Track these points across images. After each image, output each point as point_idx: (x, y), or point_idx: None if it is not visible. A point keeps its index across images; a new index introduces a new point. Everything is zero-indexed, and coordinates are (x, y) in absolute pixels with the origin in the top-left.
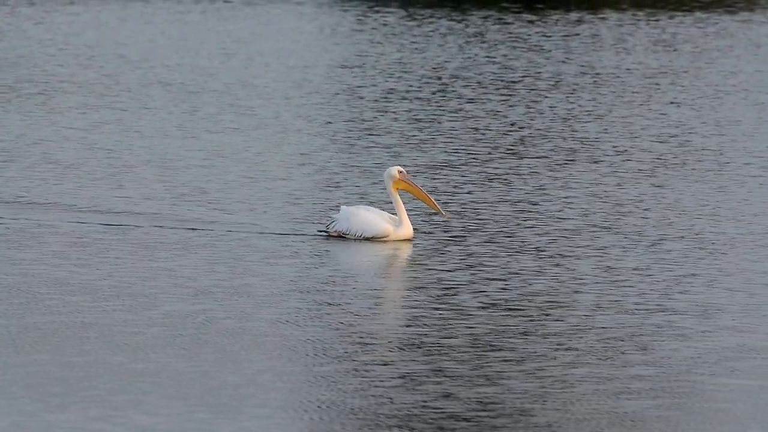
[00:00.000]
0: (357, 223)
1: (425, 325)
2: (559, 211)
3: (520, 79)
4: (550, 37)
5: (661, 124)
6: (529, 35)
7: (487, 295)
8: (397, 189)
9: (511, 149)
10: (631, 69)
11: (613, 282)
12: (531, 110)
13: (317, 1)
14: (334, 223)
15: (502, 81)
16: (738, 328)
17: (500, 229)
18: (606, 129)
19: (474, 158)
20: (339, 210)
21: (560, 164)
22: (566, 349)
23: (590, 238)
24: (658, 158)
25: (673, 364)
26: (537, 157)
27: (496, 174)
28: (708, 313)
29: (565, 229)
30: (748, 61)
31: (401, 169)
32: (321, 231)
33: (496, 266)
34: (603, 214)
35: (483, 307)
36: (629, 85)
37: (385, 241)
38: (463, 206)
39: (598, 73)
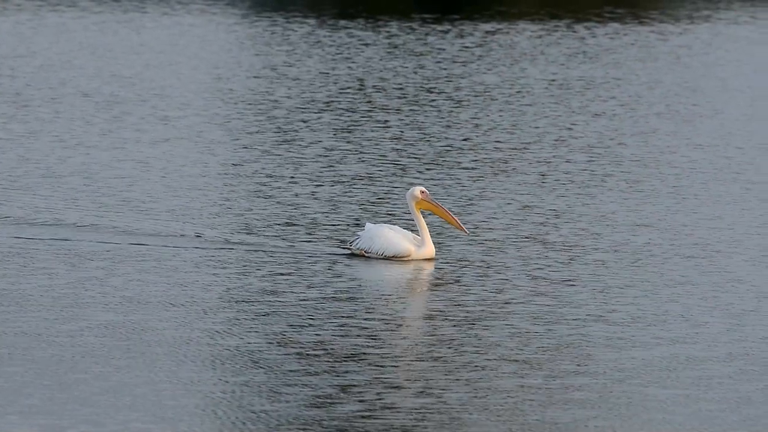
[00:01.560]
0: (379, 243)
1: (362, 335)
2: (485, 221)
3: (441, 90)
4: (468, 48)
5: (583, 135)
6: (446, 46)
7: (422, 306)
8: (420, 209)
9: (435, 160)
10: (551, 80)
11: (545, 293)
12: (452, 121)
13: (233, 12)
14: (357, 241)
15: (422, 91)
16: (672, 338)
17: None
18: (529, 140)
19: (399, 169)
20: (364, 228)
21: (485, 175)
22: (502, 360)
23: (518, 249)
24: (582, 169)
25: (607, 375)
26: (461, 168)
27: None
28: (642, 323)
29: (494, 240)
30: (666, 72)
31: (423, 189)
32: (344, 248)
33: (427, 277)
34: (531, 225)
35: (419, 318)
36: (550, 95)
37: (407, 261)
38: (389, 217)
39: (518, 84)
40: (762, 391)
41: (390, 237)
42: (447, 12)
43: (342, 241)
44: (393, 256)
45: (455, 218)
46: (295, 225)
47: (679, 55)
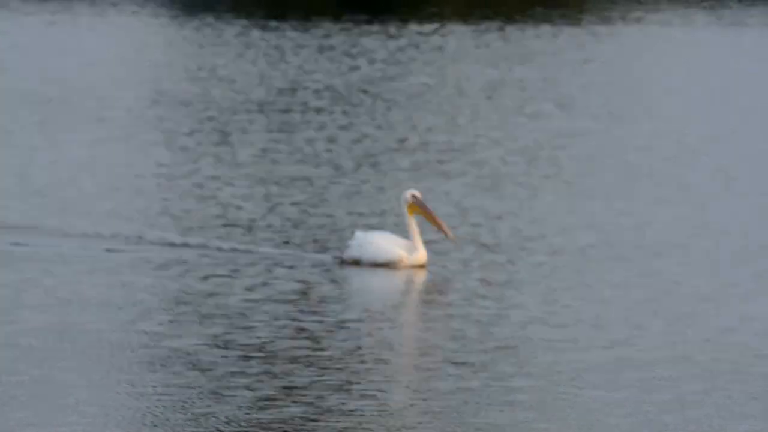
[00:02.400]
0: (370, 250)
1: (303, 337)
2: (423, 222)
3: (375, 91)
4: (403, 49)
5: (519, 137)
6: (377, 48)
7: (362, 308)
8: (412, 213)
9: (371, 161)
10: (487, 81)
11: (485, 295)
12: (387, 122)
13: (162, 13)
14: (348, 250)
15: (355, 93)
16: (612, 340)
17: None
18: (466, 141)
19: (335, 170)
20: (354, 236)
21: (421, 177)
22: (440, 362)
23: (457, 251)
24: (519, 171)
25: (547, 377)
26: (398, 170)
27: (355, 188)
28: (582, 325)
29: (431, 241)
30: (600, 73)
31: (415, 193)
32: (336, 257)
33: (363, 279)
34: (468, 227)
35: (360, 320)
36: (486, 97)
37: (399, 268)
38: (326, 219)
39: (452, 86)
40: (701, 393)
41: (381, 244)
42: (370, 12)
43: (335, 256)
44: (385, 263)
45: (444, 225)
46: (233, 226)
47: (613, 57)
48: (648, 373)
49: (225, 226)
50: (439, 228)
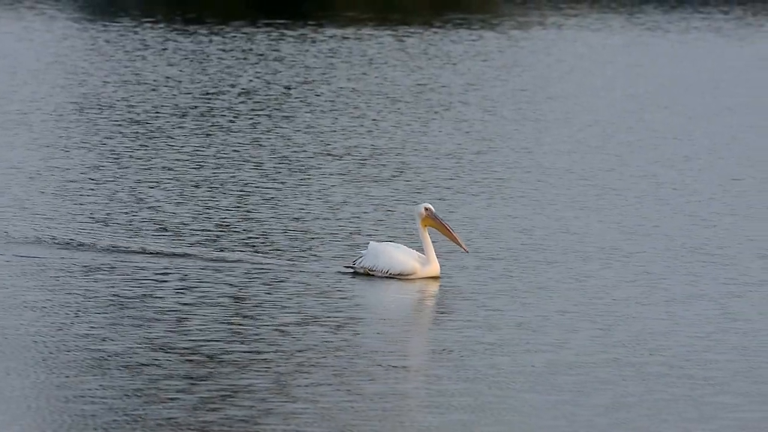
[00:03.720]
0: (384, 261)
1: (238, 340)
2: (356, 227)
3: (297, 95)
4: (324, 53)
5: (442, 142)
6: (298, 52)
7: (298, 311)
8: (425, 226)
9: (294, 165)
10: (409, 85)
11: (423, 298)
12: (311, 126)
13: (76, 17)
14: (361, 259)
15: (278, 97)
16: (546, 343)
17: (295, 246)
18: (391, 146)
19: (261, 174)
20: (367, 246)
21: (348, 182)
22: (376, 365)
23: None
24: (444, 177)
25: (482, 380)
26: (324, 176)
27: (281, 193)
28: (516, 329)
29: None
30: (519, 78)
31: (428, 206)
32: (347, 266)
33: (302, 282)
34: (398, 231)
35: (296, 323)
36: (406, 101)
37: (412, 279)
38: (250, 222)
39: (374, 90)
40: (634, 395)
41: (395, 255)
42: (279, 15)
43: (346, 265)
44: (398, 274)
45: (457, 236)
46: (164, 229)
47: (533, 62)
48: (582, 376)
49: (156, 229)
50: (454, 240)
